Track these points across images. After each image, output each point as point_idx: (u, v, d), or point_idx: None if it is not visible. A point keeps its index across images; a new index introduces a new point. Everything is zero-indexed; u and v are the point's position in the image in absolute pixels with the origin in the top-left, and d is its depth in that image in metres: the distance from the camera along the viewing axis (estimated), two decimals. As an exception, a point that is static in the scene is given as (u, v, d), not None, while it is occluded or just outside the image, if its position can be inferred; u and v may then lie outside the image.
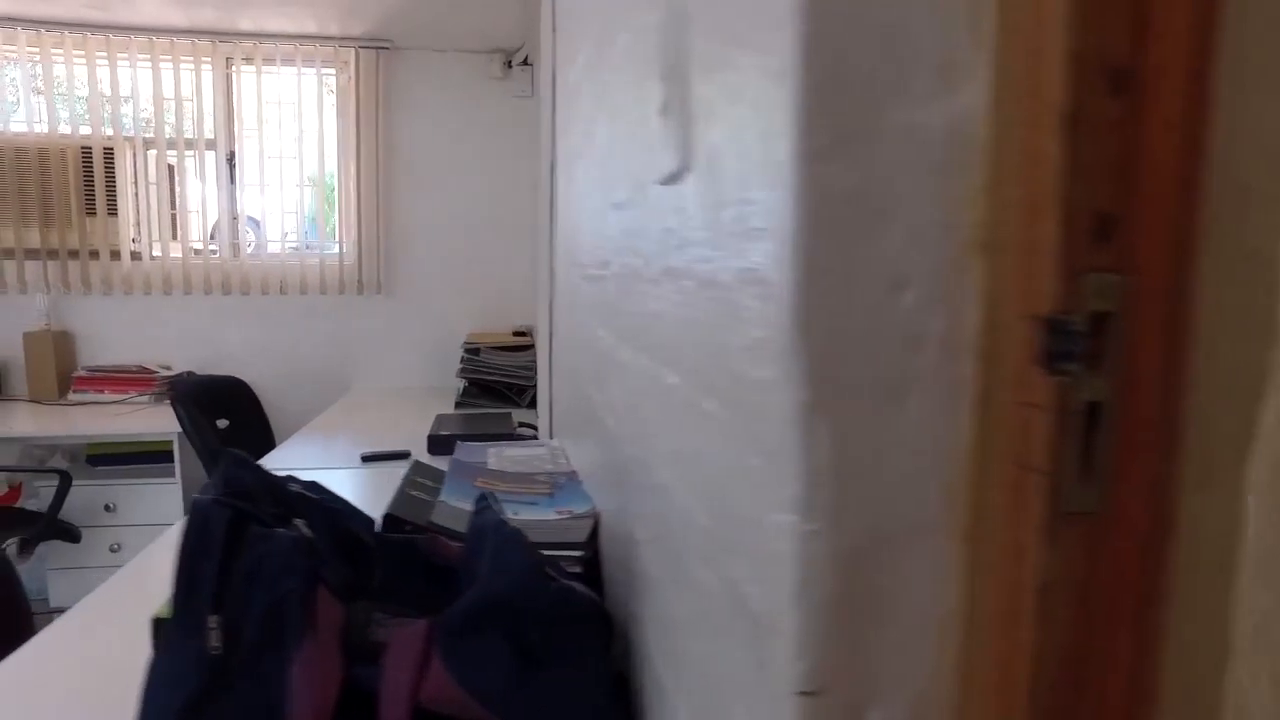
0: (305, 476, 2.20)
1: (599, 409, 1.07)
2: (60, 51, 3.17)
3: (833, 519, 0.41)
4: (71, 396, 3.22)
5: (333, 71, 3.42)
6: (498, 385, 3.01)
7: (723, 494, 0.53)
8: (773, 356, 0.43)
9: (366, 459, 2.18)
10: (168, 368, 3.36)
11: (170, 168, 3.40)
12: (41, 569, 2.83)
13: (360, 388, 3.46)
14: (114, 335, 3.39)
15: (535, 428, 2.45)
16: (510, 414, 2.68)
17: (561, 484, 1.38)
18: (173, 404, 2.50)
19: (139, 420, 2.96)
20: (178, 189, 3.41)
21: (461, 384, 3.09)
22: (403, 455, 2.23)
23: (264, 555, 0.76)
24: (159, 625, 1.07)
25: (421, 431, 2.53)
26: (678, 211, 0.61)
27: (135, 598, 1.35)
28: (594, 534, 1.17)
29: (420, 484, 1.31)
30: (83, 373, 3.25)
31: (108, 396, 3.20)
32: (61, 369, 3.27)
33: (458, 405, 2.94)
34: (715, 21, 0.52)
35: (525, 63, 3.40)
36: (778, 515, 0.43)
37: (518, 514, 1.15)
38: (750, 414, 0.47)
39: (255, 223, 3.58)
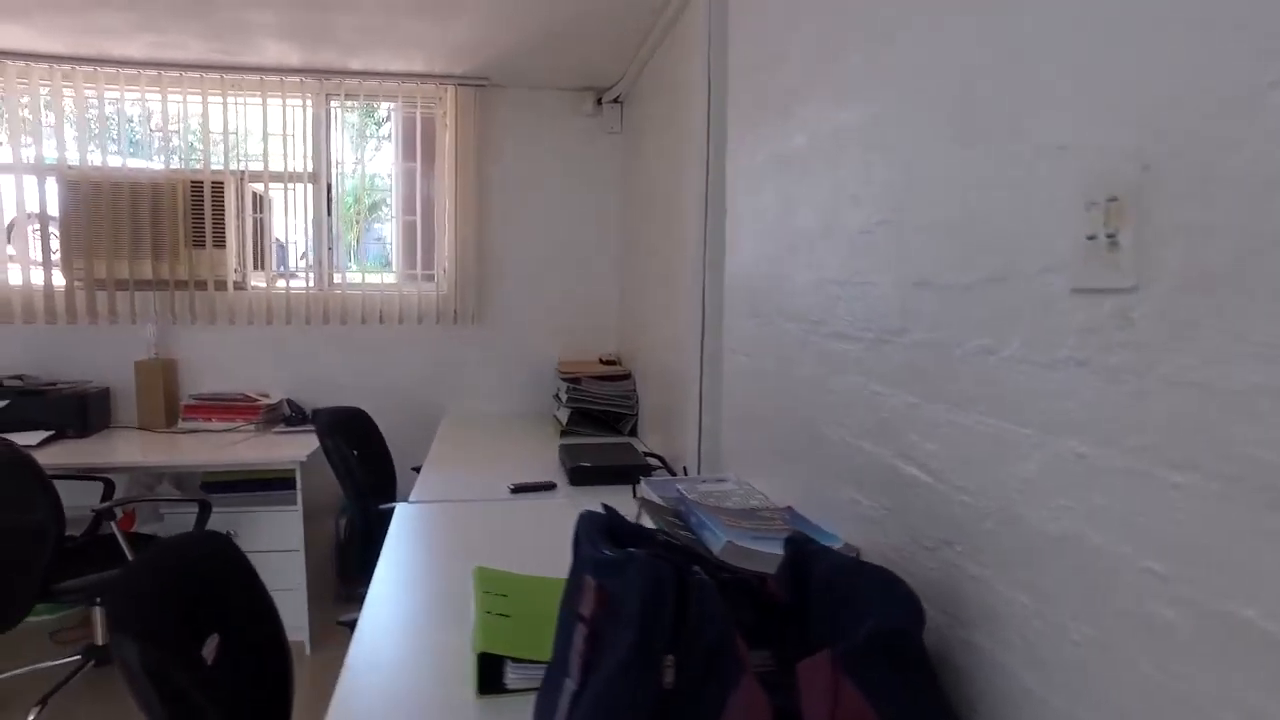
0: (462, 508, 2.31)
1: (883, 457, 1.21)
2: (178, 91, 3.29)
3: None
4: (181, 424, 3.33)
5: (430, 107, 3.56)
6: (601, 414, 3.14)
7: (1210, 551, 0.67)
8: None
9: (516, 490, 2.30)
10: (266, 396, 3.48)
11: (269, 200, 3.53)
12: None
13: (455, 414, 3.58)
14: (214, 363, 3.51)
15: (660, 457, 2.58)
16: (630, 443, 2.82)
17: (788, 519, 1.52)
18: (319, 436, 2.62)
19: (256, 448, 3.07)
20: (276, 221, 3.54)
21: (562, 411, 3.22)
22: (549, 486, 2.36)
23: (704, 601, 0.89)
24: (485, 659, 1.20)
25: (541, 458, 2.68)
26: (1118, 318, 0.76)
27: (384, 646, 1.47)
28: (854, 566, 1.31)
29: (673, 523, 1.44)
30: (191, 401, 3.36)
31: (215, 425, 3.32)
32: (167, 396, 3.38)
33: (563, 433, 3.07)
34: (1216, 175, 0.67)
35: (615, 100, 3.56)
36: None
37: (777, 550, 1.30)
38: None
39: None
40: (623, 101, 3.57)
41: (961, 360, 1.01)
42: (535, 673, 1.12)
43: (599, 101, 3.60)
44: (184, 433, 3.29)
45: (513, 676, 1.20)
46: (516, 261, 3.67)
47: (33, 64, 3.17)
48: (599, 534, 1.00)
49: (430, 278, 3.63)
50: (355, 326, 3.54)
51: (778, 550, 1.28)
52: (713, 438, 2.17)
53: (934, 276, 1.08)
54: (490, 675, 1.20)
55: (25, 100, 3.29)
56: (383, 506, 2.42)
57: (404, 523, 2.06)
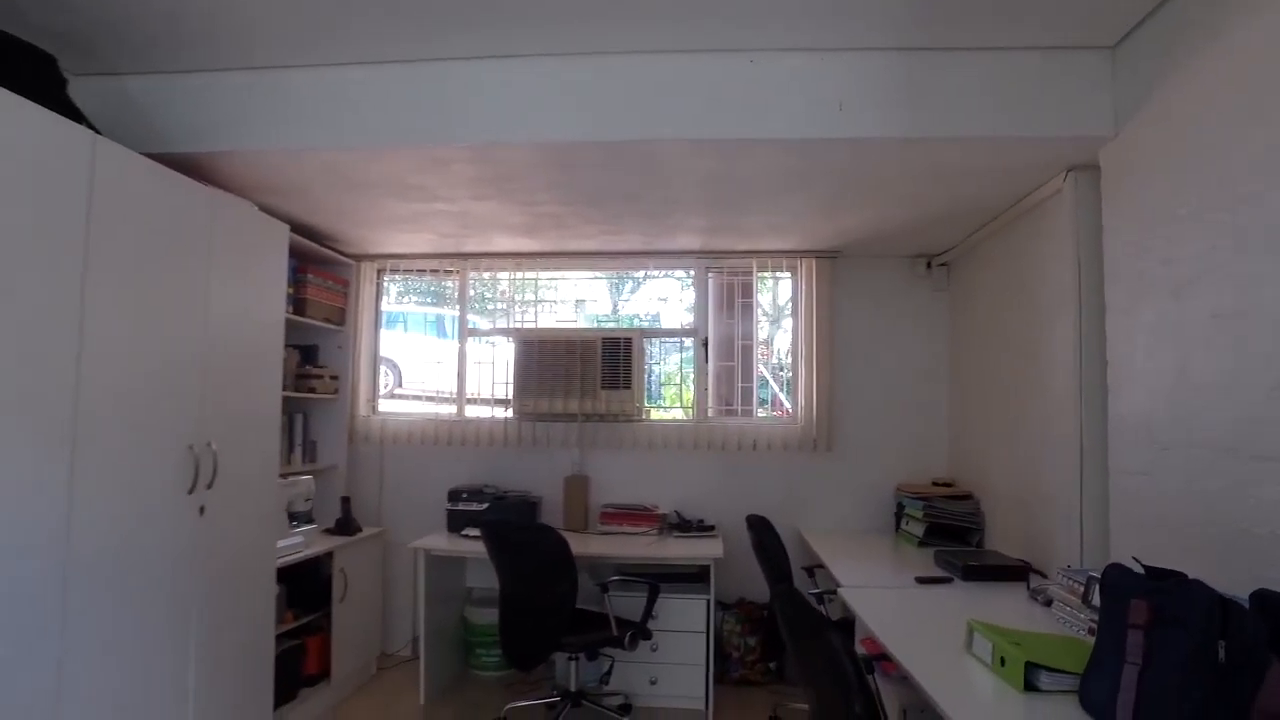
0: (869, 594, 2.87)
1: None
2: (607, 268, 4.39)
3: None
4: (600, 528, 4.23)
5: (788, 275, 4.45)
6: (952, 529, 3.71)
7: None
8: None
9: (920, 581, 2.90)
10: (656, 506, 4.33)
11: (660, 351, 4.49)
12: (602, 662, 3.74)
13: (809, 527, 4.25)
14: (615, 479, 4.44)
15: (1026, 561, 3.09)
16: (993, 551, 3.37)
17: (1211, 596, 2.03)
18: (755, 533, 3.38)
19: (667, 547, 3.87)
20: (684, 368, 4.49)
21: (915, 525, 3.82)
22: (947, 580, 2.94)
23: (1239, 613, 1.47)
24: (1029, 667, 1.80)
25: (912, 560, 3.30)
26: None
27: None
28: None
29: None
30: (608, 509, 4.27)
31: (627, 529, 4.19)
32: (585, 506, 4.33)
33: (921, 544, 3.66)
34: None
35: (943, 264, 4.27)
36: None
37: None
38: None
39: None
40: (949, 264, 4.28)
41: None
42: (1058, 679, 1.75)
43: (929, 265, 4.33)
44: (600, 534, 4.18)
45: (1045, 680, 1.79)
46: (857, 399, 4.39)
47: (506, 259, 4.38)
48: (1132, 577, 1.62)
49: (789, 414, 4.42)
50: (730, 452, 4.36)
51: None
52: (1094, 542, 2.69)
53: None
54: (1029, 680, 1.80)
55: (503, 284, 4.52)
56: (813, 591, 3.11)
57: (859, 603, 2.66)
